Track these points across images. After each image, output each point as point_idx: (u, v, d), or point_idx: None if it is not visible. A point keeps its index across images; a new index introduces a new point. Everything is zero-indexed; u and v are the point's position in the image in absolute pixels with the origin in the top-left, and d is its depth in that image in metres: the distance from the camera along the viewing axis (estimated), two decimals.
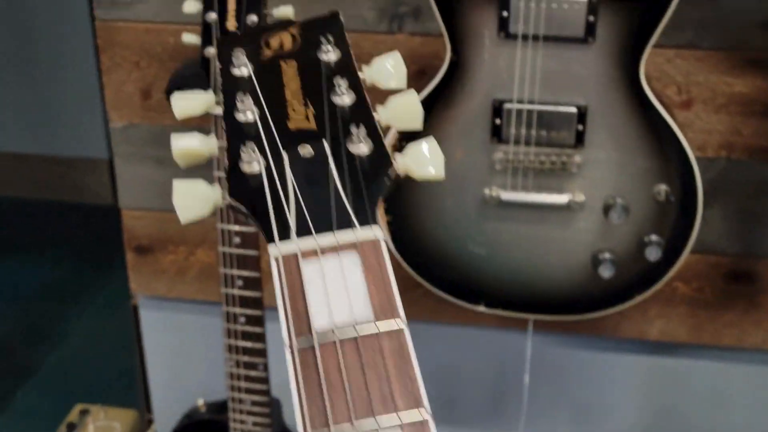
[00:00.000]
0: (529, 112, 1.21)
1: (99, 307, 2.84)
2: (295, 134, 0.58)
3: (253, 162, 0.56)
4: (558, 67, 1.19)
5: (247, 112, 0.59)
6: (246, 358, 1.37)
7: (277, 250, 0.53)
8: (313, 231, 0.53)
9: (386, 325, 0.51)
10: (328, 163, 0.56)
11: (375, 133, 0.58)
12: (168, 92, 1.25)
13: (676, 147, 1.21)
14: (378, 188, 0.56)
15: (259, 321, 1.34)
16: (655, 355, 1.54)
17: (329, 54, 0.63)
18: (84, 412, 1.89)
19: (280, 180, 0.56)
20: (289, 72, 0.62)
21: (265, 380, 1.39)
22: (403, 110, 0.61)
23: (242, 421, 1.42)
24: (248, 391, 1.39)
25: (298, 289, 0.52)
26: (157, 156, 1.49)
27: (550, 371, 1.56)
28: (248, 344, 1.36)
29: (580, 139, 1.22)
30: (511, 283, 1.33)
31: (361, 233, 0.53)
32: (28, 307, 2.85)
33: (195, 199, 0.58)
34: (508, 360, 1.54)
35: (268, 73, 0.63)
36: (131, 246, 1.56)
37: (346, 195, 0.55)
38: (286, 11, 1.21)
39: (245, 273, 1.32)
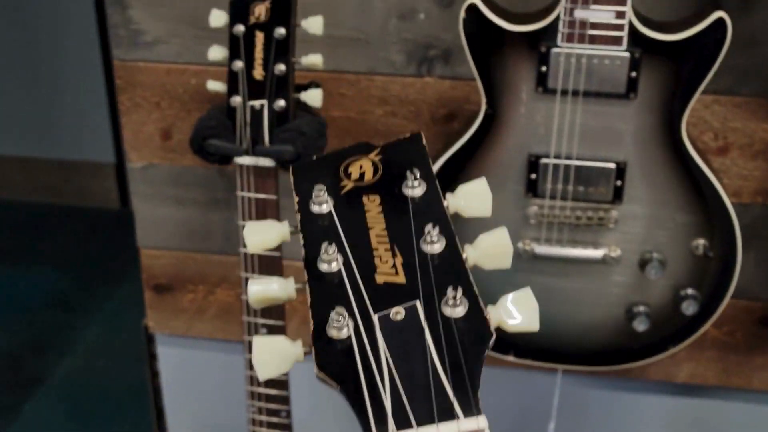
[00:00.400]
0: (567, 167, 1.18)
1: (107, 315, 2.82)
2: (384, 290, 0.54)
3: (342, 327, 0.53)
4: (597, 122, 1.16)
5: (332, 262, 0.56)
6: (269, 405, 1.34)
7: None
8: (414, 423, 0.49)
9: None
10: (423, 331, 0.52)
11: (471, 294, 0.54)
12: (192, 142, 1.21)
13: (716, 202, 1.18)
14: (478, 361, 0.51)
15: None
16: (682, 396, 1.51)
17: (415, 189, 0.59)
18: None
19: (372, 350, 0.52)
20: (373, 210, 0.58)
21: (288, 427, 1.37)
22: (494, 250, 0.57)
23: None
24: None
25: None
26: (177, 196, 1.45)
27: (575, 410, 1.53)
28: (271, 391, 1.33)
29: (618, 195, 1.19)
30: (541, 334, 1.29)
31: (465, 425, 0.49)
32: (35, 315, 2.82)
33: (275, 357, 0.55)
34: (533, 402, 1.51)
35: (351, 211, 0.58)
36: (150, 285, 1.53)
37: (446, 375, 0.50)
38: (314, 60, 1.17)
39: (270, 322, 1.29)
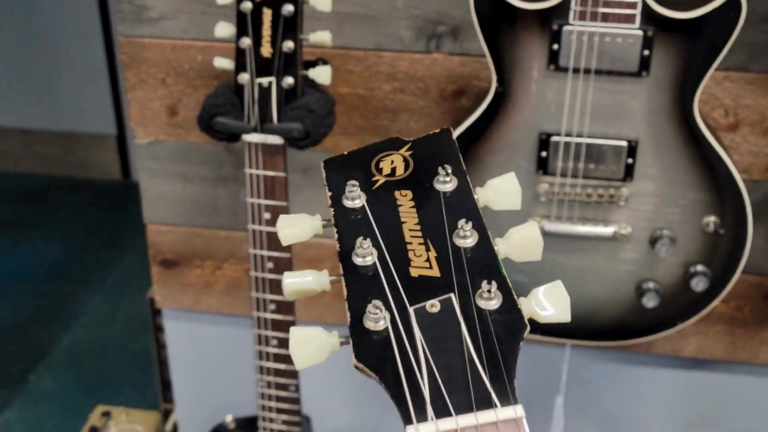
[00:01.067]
0: (578, 145, 1.17)
1: (111, 286, 2.82)
2: (418, 283, 0.55)
3: (379, 320, 0.53)
4: (609, 100, 1.15)
5: (367, 256, 0.56)
6: (278, 380, 1.35)
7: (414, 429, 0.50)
8: (453, 412, 0.50)
9: None
10: (458, 324, 0.53)
11: (505, 287, 0.55)
12: (200, 120, 1.20)
13: (727, 180, 1.18)
14: (513, 352, 0.53)
15: None
16: (690, 370, 1.52)
17: (446, 185, 0.60)
18: (106, 414, 1.87)
19: (409, 341, 0.53)
20: (406, 204, 0.59)
21: (297, 400, 1.37)
22: (524, 244, 0.58)
23: None
24: (279, 410, 1.38)
25: None
26: (183, 172, 1.45)
27: (582, 384, 1.54)
28: (281, 366, 1.34)
29: (629, 173, 1.19)
30: None
31: (502, 414, 0.50)
32: (39, 286, 2.83)
33: (312, 347, 0.55)
34: (542, 376, 1.52)
35: (383, 206, 0.59)
36: (156, 260, 1.53)
37: (482, 365, 0.52)
38: (323, 36, 1.16)
39: (278, 298, 1.29)
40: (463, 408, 0.50)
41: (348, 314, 0.54)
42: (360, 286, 0.55)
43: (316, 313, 1.52)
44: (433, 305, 0.54)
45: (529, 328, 0.54)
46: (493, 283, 0.54)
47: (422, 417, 0.50)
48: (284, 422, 1.38)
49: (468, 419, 0.50)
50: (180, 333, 1.61)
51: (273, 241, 1.26)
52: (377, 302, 0.53)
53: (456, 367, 0.51)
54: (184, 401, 1.68)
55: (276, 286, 1.29)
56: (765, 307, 1.43)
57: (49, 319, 2.69)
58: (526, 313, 0.54)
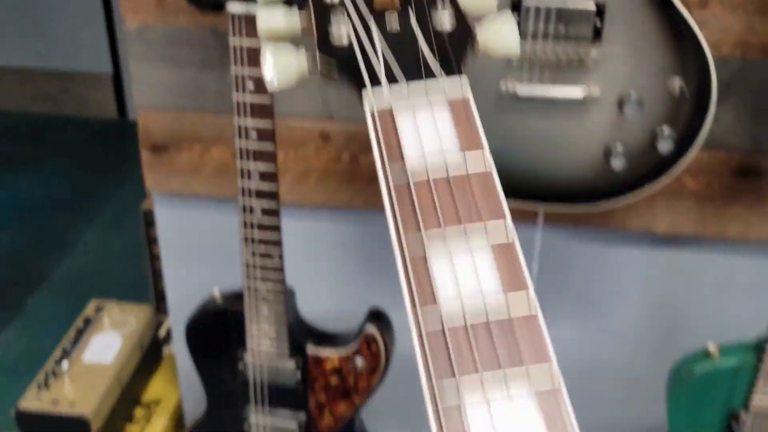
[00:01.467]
0: (548, 8, 1.22)
1: (108, 218, 2.87)
2: (381, 12, 0.62)
3: (341, 31, 0.60)
4: None
5: None
6: (262, 249, 1.40)
7: (369, 94, 0.57)
8: (404, 78, 0.58)
9: (472, 156, 0.57)
10: (414, 34, 0.60)
11: (457, 10, 0.61)
12: None
13: (692, 41, 1.22)
14: (463, 49, 0.60)
15: (275, 213, 1.37)
16: (661, 247, 1.57)
17: None
18: (99, 308, 1.93)
19: (368, 42, 0.60)
20: None
21: (280, 269, 1.42)
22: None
23: (257, 310, 1.45)
24: (264, 279, 1.43)
25: (392, 130, 0.57)
26: (172, 56, 1.50)
27: (557, 262, 1.59)
28: (264, 235, 1.39)
29: (597, 35, 1.23)
30: (522, 174, 1.35)
31: (447, 80, 0.58)
32: (36, 217, 2.88)
33: (284, 61, 0.62)
34: None
35: None
36: (146, 144, 1.58)
37: (434, 56, 0.59)
38: None
39: (262, 167, 1.34)
40: (413, 77, 0.58)
41: (315, 36, 0.61)
42: (326, 12, 0.62)
43: (300, 194, 1.57)
44: (392, 23, 0.61)
45: (478, 39, 0.61)
46: (447, 2, 0.61)
47: (377, 84, 0.58)
48: (268, 291, 1.43)
49: (417, 84, 0.58)
50: (170, 218, 1.66)
51: (257, 110, 1.31)
52: (338, 16, 0.61)
53: (410, 58, 0.59)
54: (174, 283, 1.74)
55: (260, 156, 1.34)
56: (733, 183, 1.48)
57: (47, 247, 2.75)
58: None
